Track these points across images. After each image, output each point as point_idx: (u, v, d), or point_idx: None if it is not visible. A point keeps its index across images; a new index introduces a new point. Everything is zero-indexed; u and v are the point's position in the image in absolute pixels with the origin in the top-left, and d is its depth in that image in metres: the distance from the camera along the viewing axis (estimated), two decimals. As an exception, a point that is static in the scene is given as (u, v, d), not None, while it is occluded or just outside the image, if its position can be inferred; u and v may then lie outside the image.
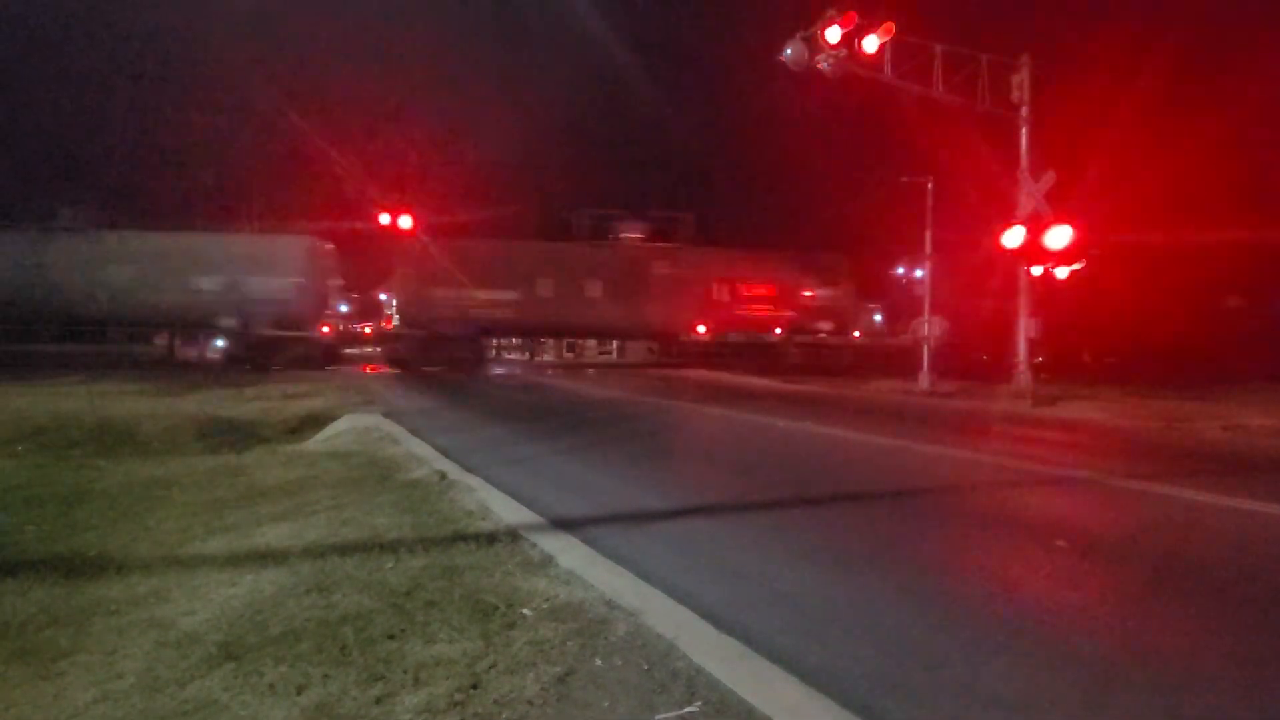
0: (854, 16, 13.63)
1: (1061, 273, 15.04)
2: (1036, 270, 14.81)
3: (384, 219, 24.25)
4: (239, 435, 10.34)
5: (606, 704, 2.67)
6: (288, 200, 30.58)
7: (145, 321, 27.93)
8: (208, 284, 25.43)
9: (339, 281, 28.77)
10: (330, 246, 27.39)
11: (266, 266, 25.77)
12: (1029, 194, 15.27)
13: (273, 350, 25.67)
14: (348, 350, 30.78)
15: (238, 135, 31.31)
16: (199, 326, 26.91)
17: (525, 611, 3.45)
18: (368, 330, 31.47)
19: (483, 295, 27.24)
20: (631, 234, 30.99)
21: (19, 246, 25.49)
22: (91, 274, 25.37)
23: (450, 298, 26.79)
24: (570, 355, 38.99)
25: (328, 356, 27.25)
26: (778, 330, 29.04)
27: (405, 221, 26.05)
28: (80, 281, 25.35)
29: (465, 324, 27.05)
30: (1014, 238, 14.28)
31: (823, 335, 29.03)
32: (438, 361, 26.22)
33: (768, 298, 29.04)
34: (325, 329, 27.49)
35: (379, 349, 30.51)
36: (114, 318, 26.87)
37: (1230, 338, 22.80)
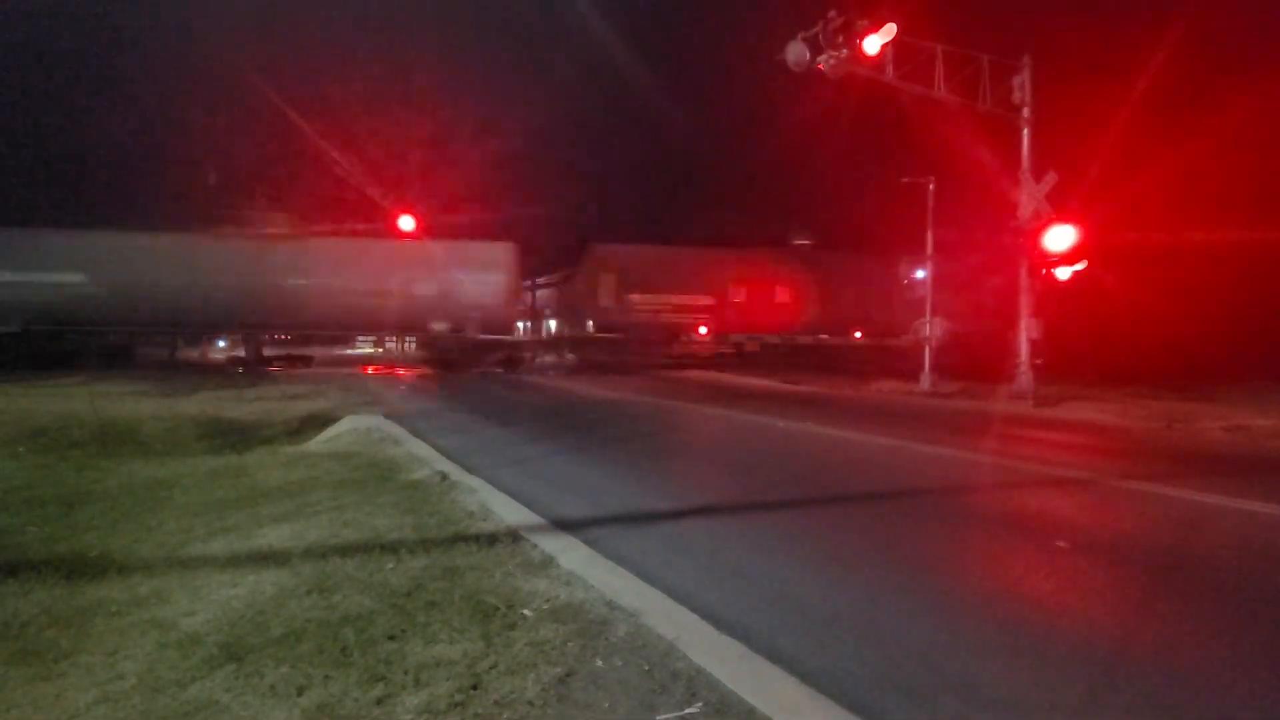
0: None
1: (1063, 274, 15.03)
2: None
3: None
4: (241, 436, 10.34)
5: (607, 705, 2.67)
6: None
7: (357, 326, 28.22)
8: (423, 289, 25.46)
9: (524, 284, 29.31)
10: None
11: (476, 271, 25.88)
12: (1031, 195, 15.27)
13: (482, 353, 25.96)
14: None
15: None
16: (412, 330, 27.30)
17: (526, 612, 3.46)
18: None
19: (679, 300, 28.05)
20: (803, 240, 31.83)
21: (240, 252, 24.95)
22: (315, 279, 25.27)
23: (648, 303, 27.49)
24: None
25: (525, 359, 27.66)
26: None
27: (407, 223, 26.13)
28: (307, 287, 25.24)
29: (660, 329, 27.82)
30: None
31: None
32: (630, 366, 26.36)
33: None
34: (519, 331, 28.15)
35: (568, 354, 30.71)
36: (327, 322, 26.84)
37: (1232, 337, 22.76)
